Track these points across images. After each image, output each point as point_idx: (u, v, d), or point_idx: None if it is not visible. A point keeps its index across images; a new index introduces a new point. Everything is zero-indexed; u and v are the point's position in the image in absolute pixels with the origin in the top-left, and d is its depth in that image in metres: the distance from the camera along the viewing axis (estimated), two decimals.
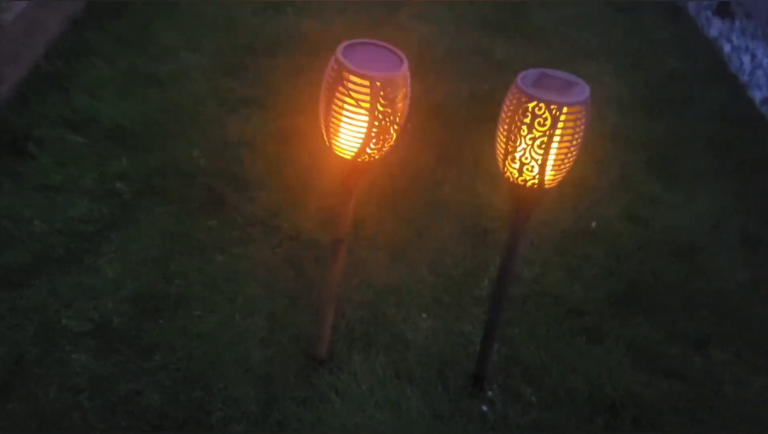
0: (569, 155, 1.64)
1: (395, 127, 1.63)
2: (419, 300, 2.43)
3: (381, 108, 1.57)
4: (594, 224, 2.84)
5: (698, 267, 2.72)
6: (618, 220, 2.88)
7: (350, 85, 1.55)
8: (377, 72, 1.55)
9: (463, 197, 2.87)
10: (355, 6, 3.94)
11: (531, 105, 1.56)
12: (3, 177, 2.62)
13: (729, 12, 4.56)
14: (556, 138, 1.59)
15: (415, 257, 2.58)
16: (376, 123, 1.59)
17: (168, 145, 2.89)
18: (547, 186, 1.69)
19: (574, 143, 1.62)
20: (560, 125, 1.56)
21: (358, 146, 1.63)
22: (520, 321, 2.41)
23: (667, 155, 3.26)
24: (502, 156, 1.68)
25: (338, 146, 1.67)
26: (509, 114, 1.61)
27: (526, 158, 1.62)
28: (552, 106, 1.55)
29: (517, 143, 1.61)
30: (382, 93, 1.55)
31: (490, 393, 2.18)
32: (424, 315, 2.38)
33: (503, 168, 1.70)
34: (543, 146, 1.59)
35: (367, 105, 1.56)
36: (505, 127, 1.64)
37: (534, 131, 1.57)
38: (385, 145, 1.66)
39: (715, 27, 4.46)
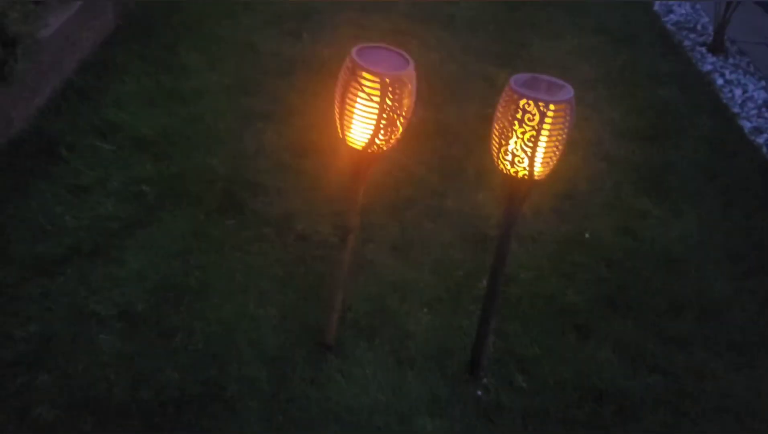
0: (556, 150, 1.84)
1: (401, 120, 1.84)
2: (421, 297, 2.60)
3: (389, 102, 1.78)
4: (587, 235, 3.02)
5: (684, 277, 2.89)
6: (609, 232, 3.06)
7: (363, 82, 1.76)
8: (387, 70, 1.76)
9: (465, 207, 3.06)
10: (367, 35, 4.18)
11: (521, 102, 1.77)
12: (38, 178, 2.83)
13: (722, 49, 4.79)
14: (545, 133, 1.79)
15: (418, 259, 2.76)
16: (385, 116, 1.79)
17: (189, 153, 3.10)
18: (536, 178, 1.88)
19: (561, 138, 1.81)
20: (547, 120, 1.76)
21: (369, 136, 1.84)
22: (515, 318, 2.57)
23: (658, 176, 3.45)
24: (496, 150, 1.88)
25: (351, 138, 1.87)
26: (502, 111, 1.82)
27: (517, 150, 1.82)
28: (540, 104, 1.76)
29: (509, 137, 1.81)
30: (390, 89, 1.76)
31: (485, 381, 2.34)
32: (425, 310, 2.56)
33: (497, 161, 1.90)
34: (532, 139, 1.79)
35: (378, 99, 1.77)
36: (499, 123, 1.84)
37: (524, 125, 1.77)
38: (392, 137, 1.86)
39: (708, 62, 4.69)
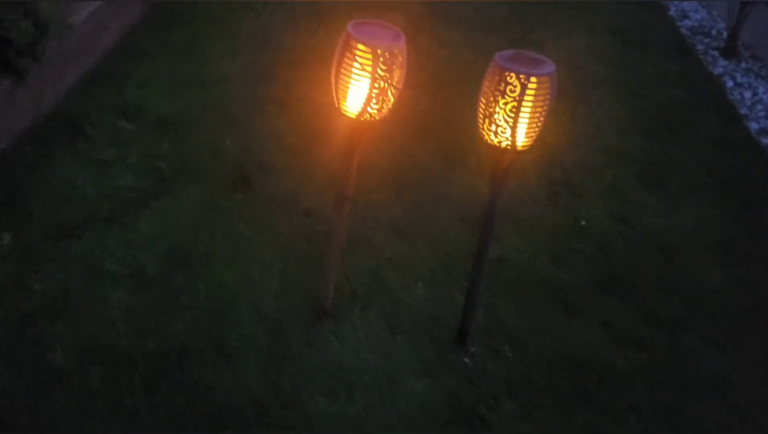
0: (538, 122, 1.95)
1: (393, 90, 1.97)
2: (416, 272, 2.72)
3: (381, 72, 1.91)
4: (583, 222, 3.12)
5: (677, 264, 2.98)
6: (606, 220, 3.15)
7: (356, 53, 1.90)
8: (378, 42, 1.90)
9: (465, 192, 3.17)
10: None
11: (504, 74, 1.89)
12: (64, 152, 3.02)
13: (735, 53, 4.85)
14: (526, 105, 1.91)
15: (417, 237, 2.89)
16: (377, 85, 1.93)
17: (204, 134, 3.27)
18: (519, 149, 2.00)
19: (542, 111, 1.93)
20: (529, 92, 1.88)
21: (362, 105, 1.97)
22: (507, 296, 2.68)
23: (658, 170, 3.54)
24: (481, 121, 2.00)
25: (345, 107, 2.01)
26: (487, 84, 1.94)
27: (500, 121, 1.94)
28: (521, 76, 1.88)
29: (493, 109, 1.94)
30: (381, 60, 1.90)
31: (472, 349, 2.45)
32: (419, 284, 2.68)
33: (482, 132, 2.02)
34: (513, 110, 1.91)
35: (370, 69, 1.90)
36: (485, 96, 1.96)
37: (506, 96, 1.90)
38: (384, 106, 1.99)
39: (720, 65, 4.76)
